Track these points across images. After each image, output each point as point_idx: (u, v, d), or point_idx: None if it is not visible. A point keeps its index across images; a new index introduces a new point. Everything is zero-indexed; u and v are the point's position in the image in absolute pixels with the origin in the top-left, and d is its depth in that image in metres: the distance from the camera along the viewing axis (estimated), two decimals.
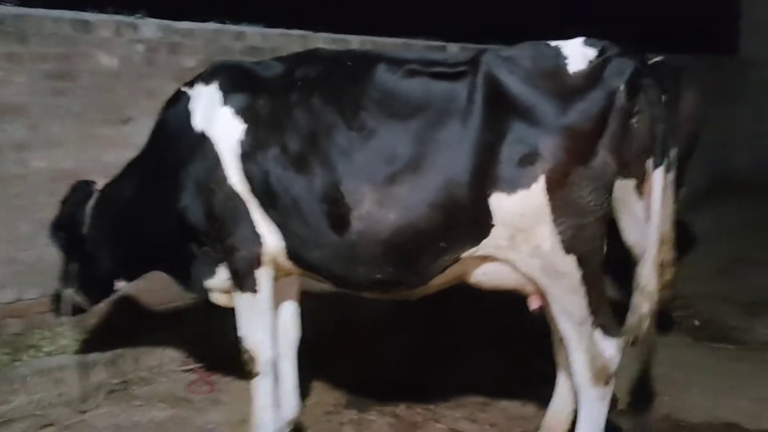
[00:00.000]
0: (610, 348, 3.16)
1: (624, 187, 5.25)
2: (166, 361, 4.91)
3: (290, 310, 3.85)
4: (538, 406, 4.20)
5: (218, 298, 3.68)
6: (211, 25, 6.16)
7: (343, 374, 4.79)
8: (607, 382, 3.16)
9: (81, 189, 3.94)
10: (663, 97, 3.08)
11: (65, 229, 3.88)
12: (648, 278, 3.12)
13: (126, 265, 3.88)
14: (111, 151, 5.28)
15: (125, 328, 5.18)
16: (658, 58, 5.32)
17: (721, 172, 12.14)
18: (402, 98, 3.03)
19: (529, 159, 2.92)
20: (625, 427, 4.06)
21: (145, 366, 4.83)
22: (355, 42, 7.00)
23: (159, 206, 3.51)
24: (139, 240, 3.71)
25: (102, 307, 5.47)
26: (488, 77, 2.94)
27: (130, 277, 4.00)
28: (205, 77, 3.45)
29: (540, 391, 4.10)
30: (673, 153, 4.96)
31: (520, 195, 2.93)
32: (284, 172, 3.14)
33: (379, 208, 2.98)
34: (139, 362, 4.82)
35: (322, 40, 6.81)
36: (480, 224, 3.00)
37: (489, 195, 2.96)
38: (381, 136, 3.01)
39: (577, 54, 3.01)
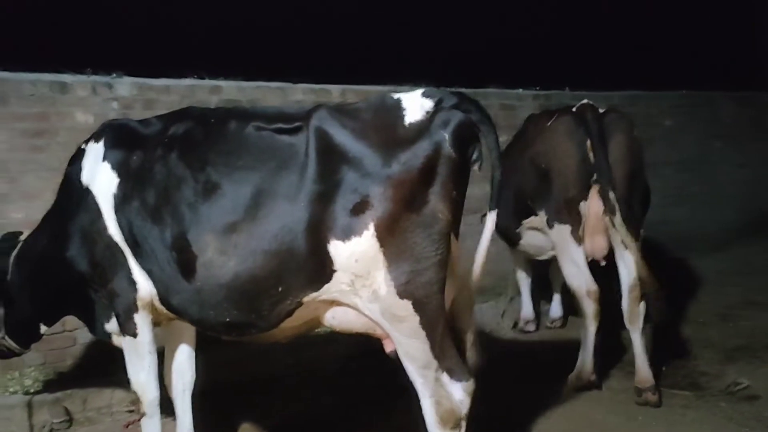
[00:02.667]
0: (458, 392, 3.18)
1: (560, 233, 5.24)
2: (115, 402, 5.14)
3: (185, 353, 4.04)
4: None
5: (118, 342, 3.89)
6: (187, 81, 6.53)
7: (276, 415, 4.93)
8: (455, 426, 3.17)
9: (7, 239, 4.27)
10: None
11: None
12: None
13: (43, 309, 4.16)
14: None
15: (95, 370, 5.47)
16: (584, 101, 5.29)
17: (753, 210, 11.65)
18: (246, 153, 3.21)
19: (360, 208, 3.02)
20: None
21: (94, 406, 5.09)
22: (335, 91, 7.21)
23: (62, 255, 3.76)
24: (50, 286, 3.98)
25: (78, 349, 5.88)
26: (318, 131, 3.09)
27: (49, 322, 4.27)
28: (96, 134, 3.74)
29: None
30: (612, 195, 4.93)
31: (354, 242, 3.03)
32: (143, 223, 3.37)
33: (220, 256, 3.14)
34: (87, 402, 5.08)
35: (301, 91, 7.06)
36: (320, 270, 3.11)
37: (328, 242, 3.07)
38: (224, 188, 3.18)
39: (414, 105, 3.11)
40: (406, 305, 3.06)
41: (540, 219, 5.46)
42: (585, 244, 5.25)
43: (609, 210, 4.94)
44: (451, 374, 3.18)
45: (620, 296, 5.18)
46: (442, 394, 3.15)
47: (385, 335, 3.25)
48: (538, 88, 9.01)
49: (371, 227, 3.01)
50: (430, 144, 3.02)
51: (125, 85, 6.14)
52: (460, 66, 8.64)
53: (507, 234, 6.13)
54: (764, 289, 8.16)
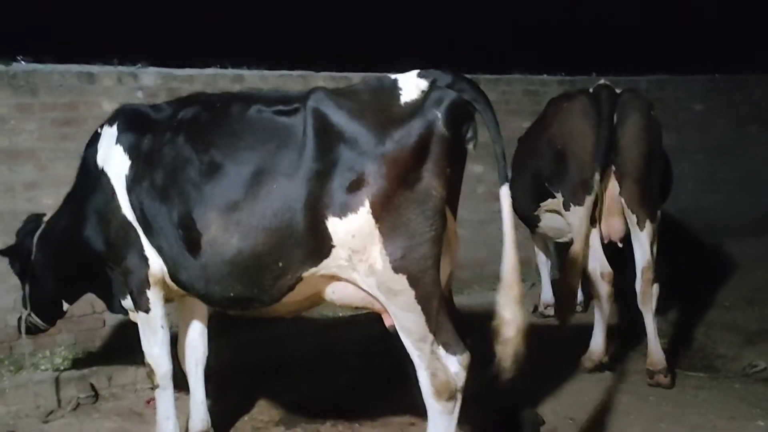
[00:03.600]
0: (453, 365, 3.25)
1: (576, 215, 5.24)
2: (139, 379, 5.32)
3: (198, 329, 4.19)
4: (459, 426, 4.30)
5: (134, 317, 4.05)
6: (210, 70, 6.70)
7: (294, 393, 5.07)
8: (451, 398, 3.25)
9: (32, 221, 4.48)
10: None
11: (18, 257, 4.41)
12: (513, 314, 3.23)
13: (64, 287, 4.35)
14: None
15: (123, 350, 5.68)
16: (601, 82, 5.27)
17: None
18: (248, 134, 3.33)
19: (356, 185, 3.11)
20: None
21: (119, 383, 5.30)
22: (356, 79, 7.24)
23: (80, 234, 3.94)
24: (70, 265, 4.17)
25: (107, 330, 6.12)
26: (315, 112, 3.18)
27: (71, 299, 4.47)
28: (110, 119, 3.91)
29: (464, 412, 4.18)
30: (596, 176, 4.96)
31: (351, 218, 3.13)
32: (153, 203, 3.52)
33: (224, 233, 3.27)
34: (113, 379, 5.29)
35: (322, 79, 7.17)
36: (319, 245, 3.21)
37: (326, 219, 3.17)
38: (227, 168, 3.31)
39: (410, 85, 3.19)
40: (401, 279, 3.14)
41: (557, 201, 5.46)
42: (601, 226, 5.25)
43: (587, 191, 4.96)
44: (447, 348, 3.26)
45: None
46: (437, 367, 3.23)
47: (384, 309, 3.34)
48: (563, 73, 8.97)
49: (367, 204, 3.10)
50: (423, 123, 3.09)
51: (150, 75, 6.34)
52: (483, 52, 8.66)
53: (526, 217, 6.17)
54: None
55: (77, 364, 5.44)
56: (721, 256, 9.01)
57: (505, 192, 3.25)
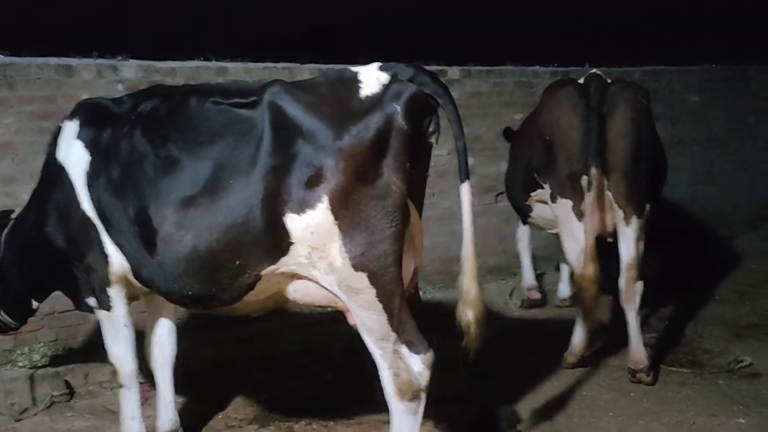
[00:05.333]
0: (416, 364, 3.18)
1: (562, 208, 5.13)
2: None
3: (166, 327, 4.12)
4: (435, 424, 4.25)
5: (98, 315, 3.97)
6: (193, 63, 6.60)
7: (273, 390, 5.02)
8: (414, 397, 3.18)
9: (0, 218, 4.40)
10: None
11: None
12: (468, 287, 3.20)
13: (32, 286, 4.28)
14: None
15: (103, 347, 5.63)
16: (592, 71, 5.14)
17: None
18: (205, 128, 3.25)
19: (314, 180, 3.03)
20: None
21: (95, 380, 5.21)
22: None
23: (43, 232, 3.87)
24: (35, 263, 4.09)
25: (88, 327, 6.05)
26: (271, 106, 3.10)
27: (40, 297, 4.40)
28: (71, 113, 3.83)
29: (441, 410, 4.13)
30: (593, 171, 4.82)
31: (309, 214, 3.05)
32: (110, 199, 3.45)
33: (178, 230, 3.20)
34: (89, 377, 5.21)
35: (308, 71, 7.08)
36: (276, 243, 3.13)
37: (284, 215, 3.09)
38: (183, 163, 3.23)
39: (370, 79, 3.11)
40: (362, 277, 3.07)
41: (546, 192, 5.35)
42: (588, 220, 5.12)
43: (586, 186, 4.83)
44: (410, 346, 3.19)
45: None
46: (400, 366, 3.16)
47: (347, 308, 3.26)
48: (556, 64, 8.86)
49: (325, 200, 3.03)
50: (381, 116, 3.01)
51: (130, 68, 6.24)
52: (474, 43, 8.55)
53: (519, 207, 6.09)
54: None
55: (56, 361, 5.38)
56: (717, 249, 8.95)
57: (465, 189, 3.17)
